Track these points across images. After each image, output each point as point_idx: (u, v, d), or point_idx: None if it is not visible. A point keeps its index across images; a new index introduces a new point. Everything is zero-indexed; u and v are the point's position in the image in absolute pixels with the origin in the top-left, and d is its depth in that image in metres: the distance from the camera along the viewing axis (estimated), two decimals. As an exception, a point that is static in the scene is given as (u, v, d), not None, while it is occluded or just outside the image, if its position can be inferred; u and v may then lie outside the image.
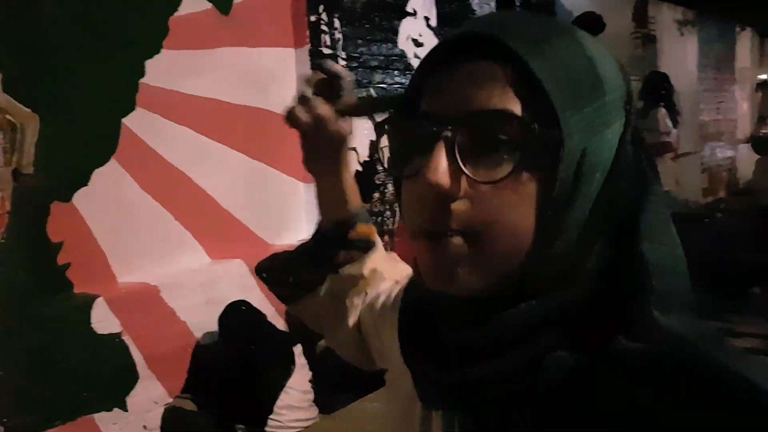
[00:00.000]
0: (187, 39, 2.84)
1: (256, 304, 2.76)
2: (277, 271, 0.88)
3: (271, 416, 2.63)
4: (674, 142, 5.45)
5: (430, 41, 4.10)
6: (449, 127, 0.47)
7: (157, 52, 2.72)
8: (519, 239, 0.48)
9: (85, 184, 2.48)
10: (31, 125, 2.32)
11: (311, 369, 2.86)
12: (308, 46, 3.32)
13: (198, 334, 2.74)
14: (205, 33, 2.93)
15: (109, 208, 2.56)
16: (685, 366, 0.43)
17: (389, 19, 3.81)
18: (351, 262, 0.85)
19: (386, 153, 0.54)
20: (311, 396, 2.82)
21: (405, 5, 3.92)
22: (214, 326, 2.74)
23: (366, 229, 0.87)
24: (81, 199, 2.47)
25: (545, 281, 0.49)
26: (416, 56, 3.99)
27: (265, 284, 0.90)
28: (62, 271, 2.41)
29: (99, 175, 2.52)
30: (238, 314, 2.66)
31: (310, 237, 0.87)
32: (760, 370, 0.43)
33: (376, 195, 3.76)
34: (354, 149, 3.61)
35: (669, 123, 5.37)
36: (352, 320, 0.86)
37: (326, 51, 3.42)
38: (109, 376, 2.44)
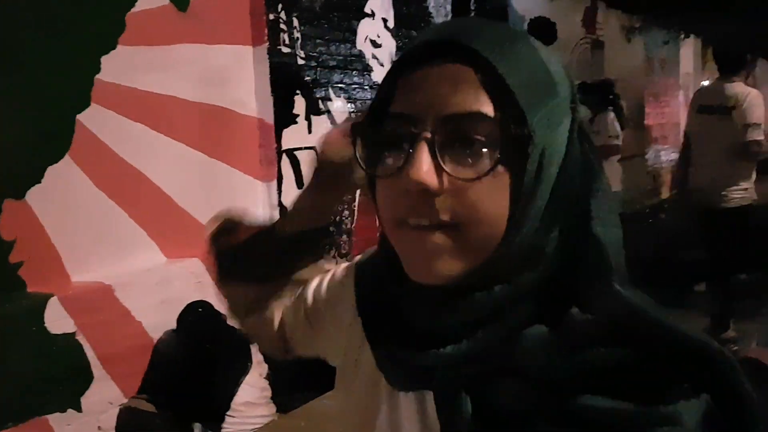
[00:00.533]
0: (143, 35, 2.80)
1: (212, 302, 2.75)
2: (232, 248, 0.87)
3: (228, 413, 2.63)
4: (621, 144, 5.65)
5: (388, 42, 4.15)
6: (429, 129, 0.51)
7: (113, 47, 2.69)
8: (494, 228, 0.53)
9: (39, 182, 2.44)
10: (-19, 120, 2.27)
11: (268, 366, 2.88)
12: (266, 45, 3.32)
13: (153, 333, 2.72)
14: (161, 29, 2.91)
15: (62, 205, 2.52)
16: (643, 326, 0.52)
17: (348, 20, 3.84)
18: (306, 267, 0.87)
19: (358, 153, 0.57)
20: (268, 393, 2.83)
21: (363, 6, 3.96)
22: (169, 326, 2.73)
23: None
24: (34, 196, 2.42)
25: (512, 265, 0.54)
26: (374, 57, 4.04)
27: (211, 250, 0.89)
28: (15, 269, 2.36)
29: (53, 172, 2.48)
30: (196, 314, 2.65)
31: (278, 232, 0.85)
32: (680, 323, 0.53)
33: (334, 194, 3.78)
34: (313, 149, 3.63)
35: (616, 126, 5.57)
36: (277, 319, 0.88)
37: (285, 50, 3.43)
38: (63, 376, 2.40)
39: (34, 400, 2.32)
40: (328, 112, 3.73)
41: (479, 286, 0.54)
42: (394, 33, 4.18)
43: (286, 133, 3.44)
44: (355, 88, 3.90)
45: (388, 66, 4.12)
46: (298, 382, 2.89)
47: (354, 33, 3.89)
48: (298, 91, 3.51)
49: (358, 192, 4.10)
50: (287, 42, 3.45)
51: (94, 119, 2.61)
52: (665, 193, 10.25)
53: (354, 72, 3.89)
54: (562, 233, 0.56)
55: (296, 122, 3.51)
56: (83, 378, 2.47)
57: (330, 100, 3.74)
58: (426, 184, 0.51)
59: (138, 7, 2.78)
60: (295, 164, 3.52)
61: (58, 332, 2.38)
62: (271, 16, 3.35)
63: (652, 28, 9.43)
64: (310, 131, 3.60)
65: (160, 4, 2.89)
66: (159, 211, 2.90)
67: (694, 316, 3.94)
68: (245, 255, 0.85)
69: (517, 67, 0.52)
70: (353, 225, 3.91)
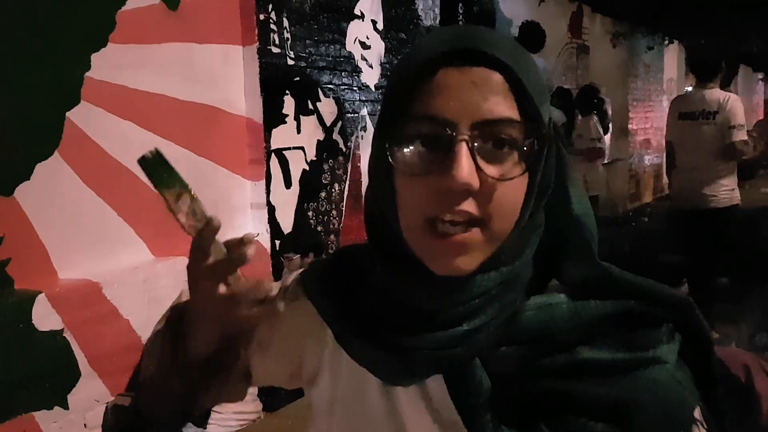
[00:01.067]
0: (134, 33, 2.80)
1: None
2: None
3: (214, 410, 2.64)
4: (605, 148, 5.72)
5: (377, 44, 4.17)
6: (466, 132, 0.55)
7: (104, 45, 2.68)
8: (512, 221, 0.59)
9: (27, 178, 2.43)
10: (-30, 116, 2.26)
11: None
12: (256, 45, 3.33)
13: (141, 331, 2.71)
14: (152, 28, 2.91)
15: (51, 202, 2.51)
16: (624, 286, 0.63)
17: (337, 21, 3.86)
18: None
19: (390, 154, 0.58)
20: (255, 391, 2.84)
21: (353, 8, 3.98)
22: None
23: None
24: (22, 193, 2.41)
25: (516, 250, 0.61)
26: (363, 58, 4.06)
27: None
28: (2, 266, 2.35)
29: (41, 169, 2.47)
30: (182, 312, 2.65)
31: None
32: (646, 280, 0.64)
33: (323, 194, 3.80)
34: (302, 149, 3.65)
35: (600, 130, 5.63)
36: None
37: (275, 50, 3.44)
38: (50, 373, 2.40)
39: (20, 397, 2.31)
40: (317, 112, 3.74)
41: (487, 270, 0.59)
42: (384, 35, 4.21)
43: (275, 132, 3.45)
44: (344, 89, 3.92)
45: (377, 67, 4.14)
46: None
47: (344, 34, 3.91)
48: (287, 91, 3.53)
49: (346, 191, 4.10)
50: (277, 42, 3.46)
51: (83, 117, 2.61)
52: (648, 197, 10.37)
53: (343, 73, 3.91)
54: (547, 217, 0.63)
55: (285, 122, 3.52)
56: (70, 375, 2.46)
57: (319, 100, 3.75)
58: (470, 184, 0.55)
59: (128, 6, 2.78)
60: (284, 164, 3.53)
61: (46, 329, 2.37)
62: (262, 17, 3.36)
63: (637, 34, 9.54)
64: (299, 131, 3.61)
65: (150, 2, 2.89)
66: (146, 209, 2.89)
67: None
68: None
69: (529, 73, 0.58)
70: (341, 225, 3.93)
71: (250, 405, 2.80)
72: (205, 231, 0.56)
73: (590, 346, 0.60)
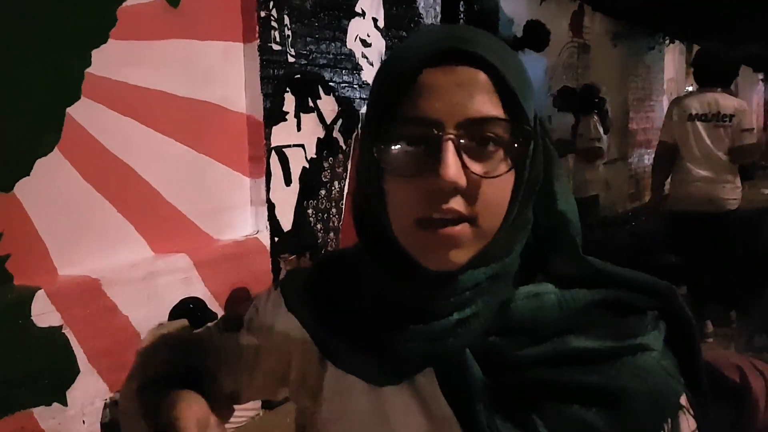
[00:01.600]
0: (134, 29, 2.80)
1: (203, 299, 2.76)
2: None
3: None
4: (604, 148, 5.71)
5: (378, 42, 4.16)
6: (452, 132, 0.56)
7: (104, 41, 2.68)
8: (500, 217, 0.60)
9: (27, 174, 2.42)
10: (-30, 112, 2.25)
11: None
12: (257, 42, 3.32)
13: (140, 328, 2.71)
14: (153, 24, 2.90)
15: (51, 199, 2.51)
16: (608, 275, 0.65)
17: (338, 19, 3.86)
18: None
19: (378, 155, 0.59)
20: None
21: (354, 6, 3.97)
22: (156, 320, 2.72)
23: None
24: (22, 189, 2.41)
25: (504, 246, 0.62)
26: (364, 56, 4.05)
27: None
28: (1, 262, 2.34)
29: (41, 165, 2.47)
30: (187, 310, 2.65)
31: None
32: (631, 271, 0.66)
33: (323, 192, 3.80)
34: (302, 146, 3.64)
35: (600, 130, 5.61)
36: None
37: (275, 47, 3.43)
38: (49, 370, 2.39)
39: (19, 393, 2.31)
40: (318, 109, 3.74)
41: (477, 266, 0.60)
42: (384, 33, 4.21)
43: (276, 130, 3.45)
44: (345, 86, 3.92)
45: (377, 65, 4.13)
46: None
47: (344, 32, 3.90)
48: (287, 89, 3.52)
49: (346, 189, 4.10)
50: (278, 39, 3.45)
51: (84, 113, 2.60)
52: (647, 197, 10.36)
53: (344, 71, 3.90)
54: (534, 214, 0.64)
55: (285, 120, 3.52)
56: (69, 372, 2.46)
57: (320, 98, 3.75)
58: (457, 182, 0.55)
59: (129, 2, 2.77)
60: (284, 161, 3.52)
61: (45, 326, 2.37)
62: (263, 14, 3.35)
63: (638, 34, 9.53)
64: (299, 129, 3.61)
65: (151, -2, 2.89)
66: (147, 206, 2.90)
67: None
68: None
69: (513, 71, 0.58)
70: (341, 223, 3.92)
71: (249, 403, 2.80)
72: None
73: (578, 334, 0.61)
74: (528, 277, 0.65)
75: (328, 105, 3.81)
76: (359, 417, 0.66)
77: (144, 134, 2.86)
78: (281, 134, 3.49)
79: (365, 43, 4.06)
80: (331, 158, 3.83)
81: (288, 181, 3.56)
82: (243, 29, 3.33)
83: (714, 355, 0.99)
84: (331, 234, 3.87)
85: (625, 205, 9.40)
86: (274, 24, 3.42)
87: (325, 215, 3.82)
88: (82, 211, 2.63)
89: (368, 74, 4.09)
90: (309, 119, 3.67)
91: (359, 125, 4.05)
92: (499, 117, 0.57)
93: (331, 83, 3.81)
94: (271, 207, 3.45)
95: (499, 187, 0.58)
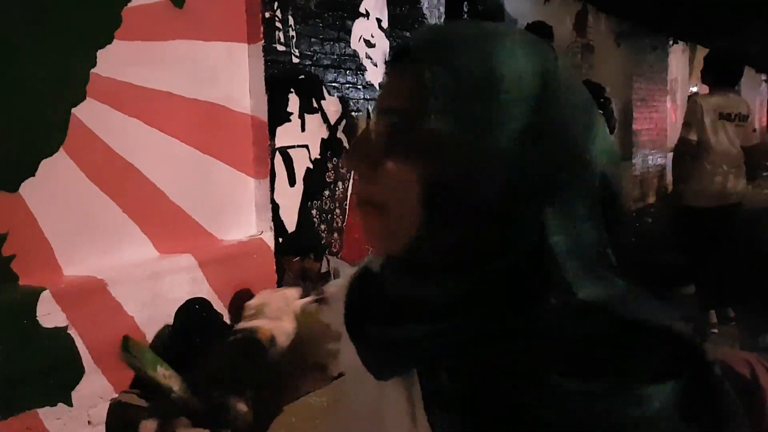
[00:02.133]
0: (140, 30, 2.80)
1: (208, 299, 2.76)
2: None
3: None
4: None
5: (382, 42, 4.17)
6: (375, 122, 0.60)
7: (110, 42, 2.69)
8: (410, 212, 0.59)
9: (32, 175, 2.43)
10: (-24, 112, 2.26)
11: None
12: (262, 42, 3.33)
13: (145, 328, 2.72)
14: (158, 25, 2.91)
15: (56, 199, 2.51)
16: (622, 309, 0.52)
17: (342, 19, 3.86)
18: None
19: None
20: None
21: (358, 6, 3.97)
22: (161, 320, 2.73)
23: None
24: (28, 189, 2.41)
25: (441, 253, 0.56)
26: (368, 56, 4.05)
27: None
28: (7, 262, 2.35)
29: (47, 166, 2.47)
30: (193, 310, 2.65)
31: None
32: (652, 309, 0.53)
33: (326, 193, 3.80)
34: (306, 147, 3.65)
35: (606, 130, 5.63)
36: None
37: (280, 48, 3.44)
38: (54, 370, 2.40)
39: (24, 393, 2.31)
40: (322, 110, 3.74)
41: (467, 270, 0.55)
42: (388, 33, 4.21)
43: (280, 130, 3.45)
44: (349, 87, 3.92)
45: (381, 66, 4.13)
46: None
47: (348, 32, 3.91)
48: (292, 89, 3.52)
49: (349, 189, 4.09)
50: (282, 40, 3.46)
51: (89, 113, 2.61)
52: (651, 198, 10.34)
53: (348, 71, 3.91)
54: (528, 236, 0.54)
55: (290, 120, 3.52)
56: (74, 372, 2.47)
57: (324, 98, 3.75)
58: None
59: (135, 2, 2.78)
60: (288, 162, 3.53)
61: (50, 326, 2.38)
62: (267, 15, 3.36)
63: (642, 34, 9.52)
64: (303, 129, 3.61)
65: (156, -1, 2.90)
66: (152, 206, 2.90)
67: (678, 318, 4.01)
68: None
69: (446, 68, 0.54)
70: (344, 223, 3.92)
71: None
72: None
73: (567, 366, 0.51)
74: (521, 303, 0.58)
75: (332, 105, 3.81)
76: (363, 407, 0.68)
77: (149, 134, 2.87)
78: (285, 135, 3.49)
79: (369, 44, 4.06)
80: (335, 159, 3.83)
81: (292, 182, 3.56)
82: (247, 30, 3.34)
83: (724, 353, 0.99)
84: (335, 234, 3.87)
85: (629, 205, 9.38)
86: (278, 25, 3.43)
87: (329, 216, 3.82)
88: (87, 212, 2.63)
89: (372, 75, 4.09)
90: (313, 120, 3.68)
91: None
92: (395, 108, 0.58)
93: (335, 84, 3.82)
94: (275, 207, 3.45)
95: (395, 181, 0.59)
